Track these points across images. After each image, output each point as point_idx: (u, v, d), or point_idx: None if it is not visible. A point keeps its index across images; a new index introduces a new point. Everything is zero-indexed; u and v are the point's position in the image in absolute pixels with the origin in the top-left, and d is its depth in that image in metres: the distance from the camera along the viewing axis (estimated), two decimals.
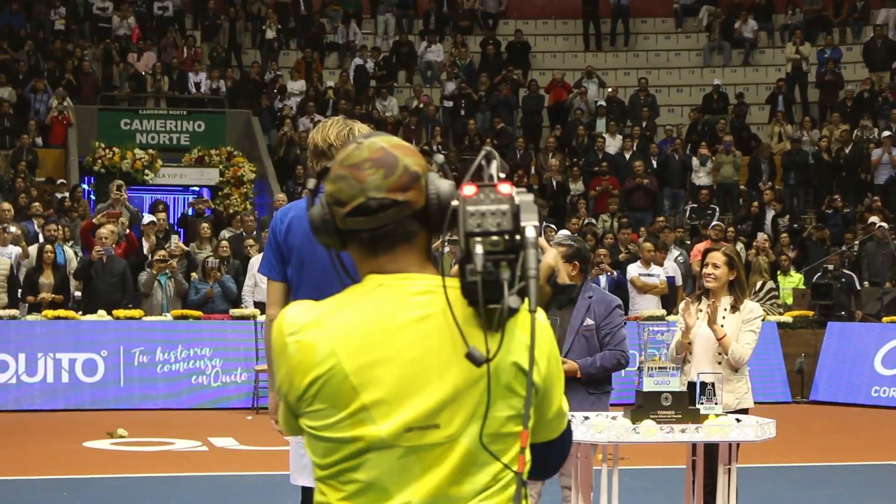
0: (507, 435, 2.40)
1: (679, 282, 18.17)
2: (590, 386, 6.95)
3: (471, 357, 2.31)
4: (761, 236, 20.38)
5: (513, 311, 2.30)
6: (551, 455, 2.58)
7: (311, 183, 2.51)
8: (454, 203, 2.37)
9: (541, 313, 2.43)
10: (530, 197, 2.35)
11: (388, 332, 2.38)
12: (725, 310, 7.57)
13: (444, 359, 2.37)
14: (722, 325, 7.49)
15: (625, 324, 7.21)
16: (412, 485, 2.37)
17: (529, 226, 2.31)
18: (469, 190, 2.34)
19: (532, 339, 2.29)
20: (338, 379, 2.36)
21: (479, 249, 2.29)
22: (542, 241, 2.41)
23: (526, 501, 2.40)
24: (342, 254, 2.49)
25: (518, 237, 2.31)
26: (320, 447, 2.41)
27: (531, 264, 2.29)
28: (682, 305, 7.85)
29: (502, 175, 2.37)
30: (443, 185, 2.42)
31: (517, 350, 2.39)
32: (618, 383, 15.82)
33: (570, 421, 2.61)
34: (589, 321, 6.95)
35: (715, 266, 7.62)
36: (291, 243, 5.04)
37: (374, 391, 2.36)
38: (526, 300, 2.30)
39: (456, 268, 2.37)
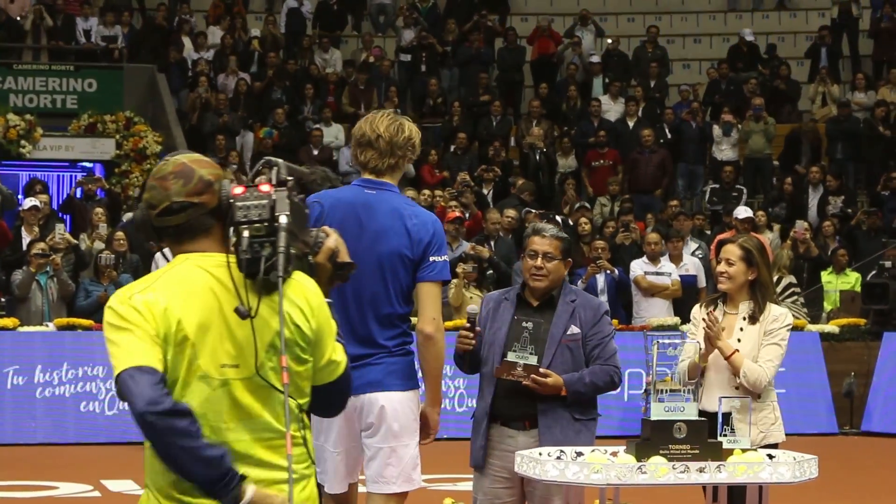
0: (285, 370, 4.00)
1: (702, 282, 18.14)
2: (576, 410, 6.99)
3: (238, 312, 3.99)
4: (800, 225, 20.25)
5: (268, 282, 3.95)
6: (331, 396, 4.28)
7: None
8: (231, 201, 4.00)
9: (303, 276, 4.14)
10: (285, 193, 3.96)
11: (199, 291, 4.06)
12: (745, 318, 7.53)
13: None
14: (739, 339, 7.46)
15: (614, 334, 7.27)
16: (226, 410, 4.06)
17: (282, 215, 3.93)
18: (238, 190, 4.02)
19: (280, 299, 3.96)
20: (171, 322, 4.01)
21: (245, 234, 3.95)
22: (326, 227, 4.29)
23: (303, 425, 4.18)
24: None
25: (275, 224, 3.93)
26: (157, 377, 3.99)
27: (281, 243, 3.93)
28: (696, 311, 7.78)
29: (290, 178, 4.05)
30: (231, 188, 4.07)
31: (290, 308, 4.08)
32: (621, 410, 15.98)
33: (348, 368, 4.27)
34: (574, 329, 7.03)
35: (728, 263, 7.56)
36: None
37: (197, 334, 4.03)
38: (282, 269, 3.94)
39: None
